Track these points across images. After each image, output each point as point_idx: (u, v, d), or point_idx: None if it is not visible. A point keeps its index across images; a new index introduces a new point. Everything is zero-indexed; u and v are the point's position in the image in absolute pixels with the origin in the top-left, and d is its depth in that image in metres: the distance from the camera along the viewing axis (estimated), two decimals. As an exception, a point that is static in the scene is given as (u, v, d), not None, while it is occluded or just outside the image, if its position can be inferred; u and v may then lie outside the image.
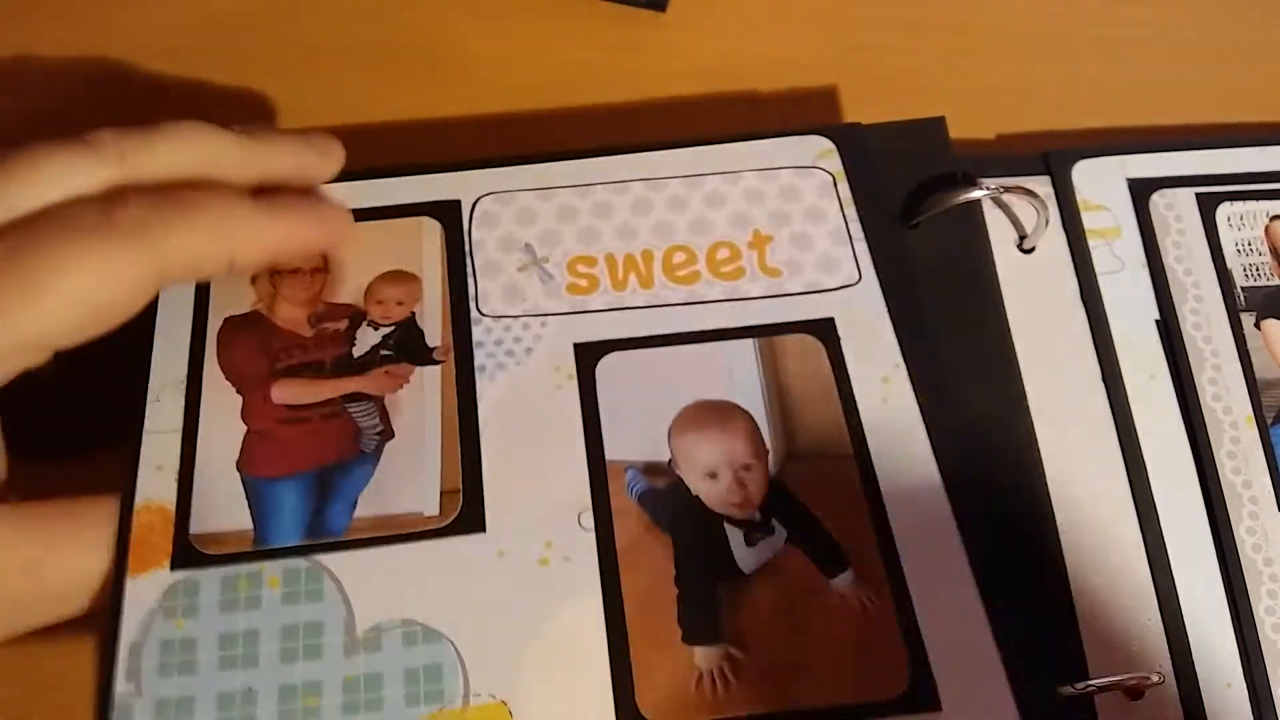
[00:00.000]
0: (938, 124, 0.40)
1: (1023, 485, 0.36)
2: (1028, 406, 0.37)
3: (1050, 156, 0.42)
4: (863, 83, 0.46)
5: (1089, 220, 0.41)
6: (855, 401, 0.35)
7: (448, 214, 0.37)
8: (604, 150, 0.39)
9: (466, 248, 0.37)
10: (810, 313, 0.37)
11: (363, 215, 0.37)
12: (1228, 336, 0.39)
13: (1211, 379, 0.38)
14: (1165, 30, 0.49)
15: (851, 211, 0.38)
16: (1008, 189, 0.39)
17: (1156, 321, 0.39)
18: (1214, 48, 0.49)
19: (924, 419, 0.35)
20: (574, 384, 0.34)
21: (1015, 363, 0.38)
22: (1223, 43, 0.49)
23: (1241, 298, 0.40)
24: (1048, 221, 0.39)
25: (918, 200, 0.39)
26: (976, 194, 0.39)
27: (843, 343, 0.36)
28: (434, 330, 0.36)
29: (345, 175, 0.36)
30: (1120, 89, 0.47)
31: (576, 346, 0.35)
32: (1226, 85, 0.48)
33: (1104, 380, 0.38)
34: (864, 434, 0.34)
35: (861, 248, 0.38)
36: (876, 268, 0.38)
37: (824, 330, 0.36)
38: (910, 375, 0.36)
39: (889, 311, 0.37)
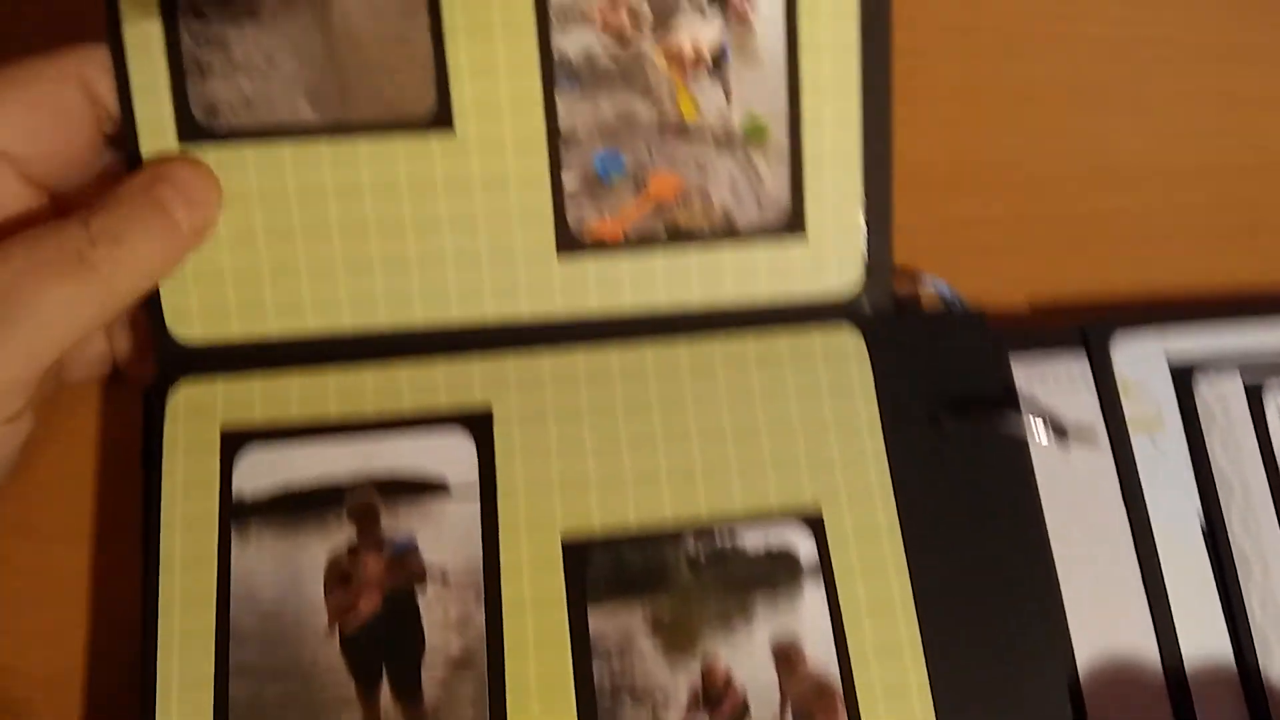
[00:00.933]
0: (977, 321, 0.38)
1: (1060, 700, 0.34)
2: (1066, 624, 0.35)
3: (1088, 332, 0.40)
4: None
5: (1129, 407, 0.39)
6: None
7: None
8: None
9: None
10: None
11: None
12: (1277, 540, 0.37)
13: (1260, 589, 0.36)
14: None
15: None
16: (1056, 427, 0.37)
17: (1202, 528, 0.37)
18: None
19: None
20: None
21: (1054, 577, 0.36)
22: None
23: (1293, 497, 0.38)
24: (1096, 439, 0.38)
25: (949, 406, 0.37)
26: (1021, 427, 0.37)
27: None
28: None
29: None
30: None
31: None
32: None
33: (1144, 585, 0.36)
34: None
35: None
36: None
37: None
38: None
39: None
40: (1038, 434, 0.37)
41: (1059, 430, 0.37)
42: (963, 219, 0.43)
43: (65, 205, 0.33)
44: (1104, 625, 0.36)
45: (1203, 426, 0.39)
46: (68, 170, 0.34)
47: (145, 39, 0.33)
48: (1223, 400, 0.39)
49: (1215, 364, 0.40)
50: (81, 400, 0.37)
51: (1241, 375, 0.39)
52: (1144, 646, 0.36)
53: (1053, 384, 0.39)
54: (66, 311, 0.31)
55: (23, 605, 0.35)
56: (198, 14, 0.33)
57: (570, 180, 0.35)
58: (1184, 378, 0.39)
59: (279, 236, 0.34)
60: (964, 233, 0.42)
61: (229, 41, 0.34)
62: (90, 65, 0.33)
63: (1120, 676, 0.35)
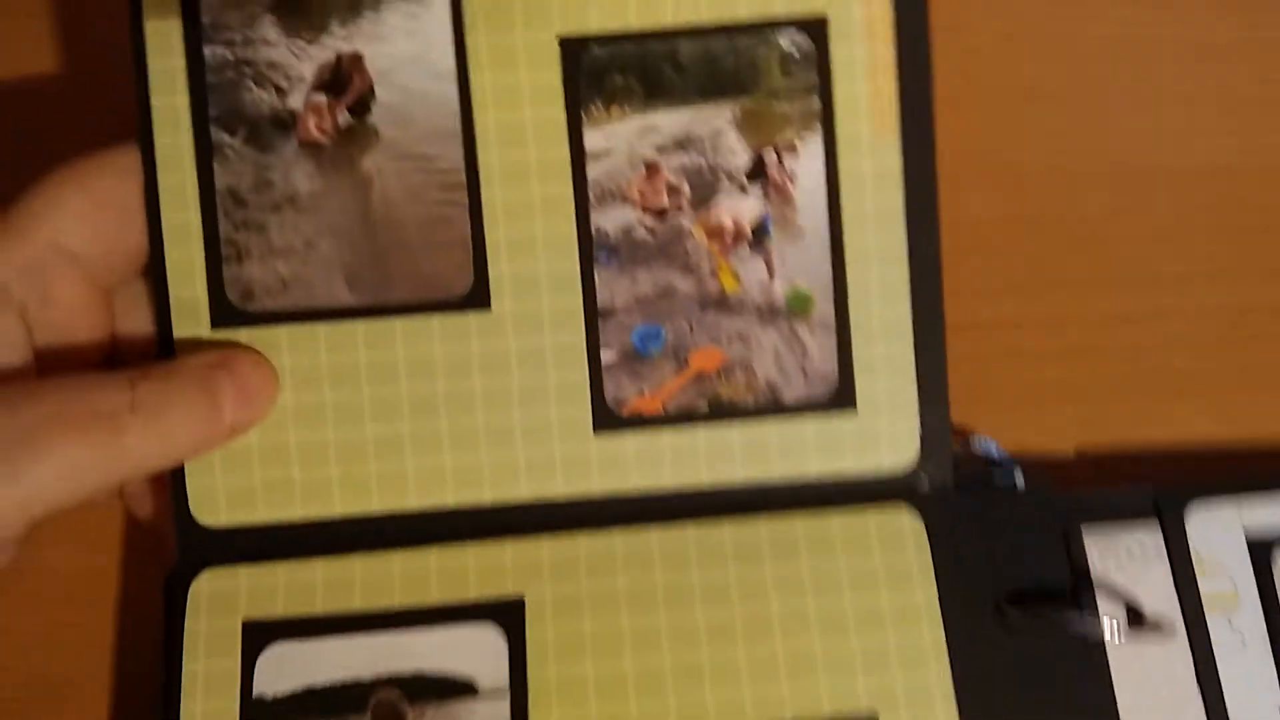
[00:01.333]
0: (1044, 496, 0.37)
1: None
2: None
3: (1160, 501, 0.38)
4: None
5: (1205, 584, 0.37)
6: None
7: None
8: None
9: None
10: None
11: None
12: (1370, 733, 0.34)
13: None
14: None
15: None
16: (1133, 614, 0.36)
17: (1284, 714, 0.35)
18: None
19: None
20: None
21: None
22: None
23: (1384, 685, 0.35)
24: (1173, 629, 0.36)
25: (1014, 595, 0.35)
26: (1092, 622, 0.35)
27: None
28: None
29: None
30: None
31: None
32: None
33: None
34: None
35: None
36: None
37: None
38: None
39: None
40: (1112, 633, 0.35)
41: (1135, 618, 0.36)
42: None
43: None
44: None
45: (1282, 604, 0.36)
46: (127, 268, 0.34)
47: (184, 223, 0.34)
48: (1307, 578, 0.37)
49: (1297, 535, 0.37)
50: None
51: (1325, 548, 0.37)
52: None
53: (1125, 557, 0.37)
54: (74, 472, 0.30)
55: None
56: (238, 200, 0.34)
57: (608, 355, 0.35)
58: (1263, 553, 0.37)
59: (309, 417, 0.34)
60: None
61: (268, 226, 0.34)
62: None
63: None
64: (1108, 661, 0.35)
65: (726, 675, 0.33)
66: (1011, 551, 0.35)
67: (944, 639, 0.34)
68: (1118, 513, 0.38)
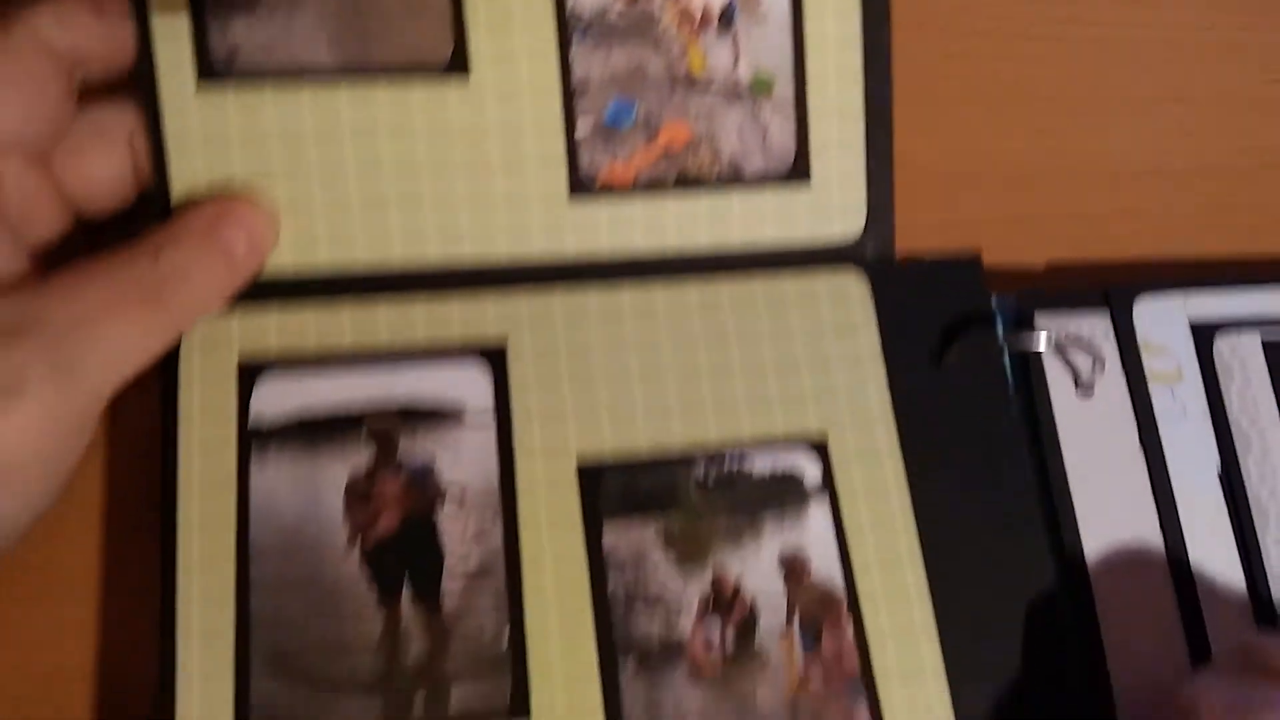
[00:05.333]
0: (973, 263, 0.43)
1: (1076, 649, 0.38)
2: (1084, 559, 0.39)
3: (1110, 294, 0.44)
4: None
5: (1150, 362, 0.42)
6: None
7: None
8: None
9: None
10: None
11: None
12: (1295, 489, 0.40)
13: (1276, 537, 0.40)
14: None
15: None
16: (1063, 340, 0.41)
17: (1219, 475, 0.41)
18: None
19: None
20: None
21: (1072, 513, 0.40)
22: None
23: (1309, 449, 0.41)
24: (1104, 367, 0.41)
25: (951, 339, 0.41)
26: (1023, 347, 0.41)
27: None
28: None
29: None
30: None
31: None
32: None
33: (1162, 532, 0.40)
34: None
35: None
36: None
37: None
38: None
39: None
40: (1039, 343, 0.41)
41: (1082, 386, 0.41)
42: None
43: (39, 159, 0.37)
44: (1121, 569, 0.39)
45: (1220, 381, 0.42)
46: (41, 132, 0.37)
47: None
48: (1241, 357, 0.43)
49: (1234, 324, 0.43)
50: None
51: (1260, 334, 0.43)
52: (1162, 588, 0.39)
53: (1075, 341, 0.42)
54: (138, 345, 0.35)
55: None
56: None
57: (583, 127, 0.40)
58: (1204, 337, 0.43)
59: (295, 176, 0.39)
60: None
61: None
62: (42, 19, 0.36)
63: (1140, 611, 0.39)
64: (1054, 417, 0.41)
65: (692, 410, 0.39)
66: (945, 310, 0.42)
67: (885, 378, 0.40)
68: (1071, 303, 0.43)
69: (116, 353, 0.34)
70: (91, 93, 0.38)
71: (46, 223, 0.37)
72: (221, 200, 0.38)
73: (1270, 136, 0.50)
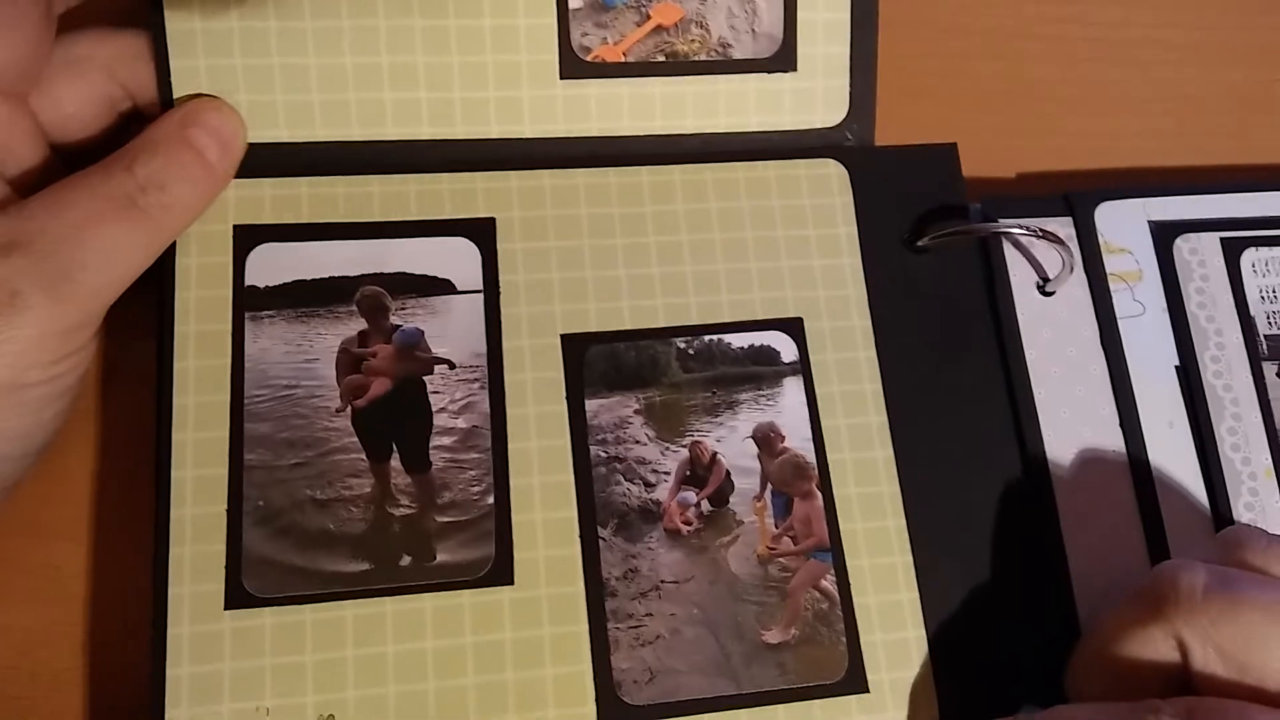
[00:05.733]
0: (949, 151, 0.44)
1: (1036, 531, 0.40)
2: (1045, 455, 0.41)
3: (1072, 198, 0.45)
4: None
5: (1111, 263, 0.44)
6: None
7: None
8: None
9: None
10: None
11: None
12: (1249, 385, 0.43)
13: (1231, 429, 0.42)
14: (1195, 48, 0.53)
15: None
16: (1032, 231, 0.42)
17: (1176, 368, 0.43)
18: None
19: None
20: None
21: (1033, 409, 0.41)
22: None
23: (1264, 345, 0.43)
24: (1072, 269, 0.42)
25: (926, 225, 0.43)
26: (994, 229, 0.42)
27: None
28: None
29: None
30: (1146, 125, 0.51)
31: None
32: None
33: (1121, 426, 0.42)
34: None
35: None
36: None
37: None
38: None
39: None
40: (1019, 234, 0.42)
41: (1036, 265, 0.43)
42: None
43: None
44: (1081, 460, 0.41)
45: (1180, 280, 0.44)
46: (21, 67, 0.37)
47: None
48: (1199, 254, 0.44)
49: (1195, 227, 0.45)
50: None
51: (1220, 237, 0.45)
52: (1119, 479, 0.41)
53: (1044, 235, 0.43)
54: (126, 255, 0.36)
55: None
56: None
57: (575, 0, 0.41)
58: (1164, 239, 0.45)
59: (291, 43, 0.39)
60: None
61: None
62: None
63: (1097, 502, 0.41)
64: (1016, 315, 0.42)
65: (674, 286, 0.41)
66: (921, 196, 0.43)
67: (861, 262, 0.42)
68: (1035, 210, 0.45)
69: (105, 263, 0.35)
70: (66, 23, 0.38)
71: (24, 154, 0.38)
72: (187, 107, 0.39)
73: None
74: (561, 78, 0.41)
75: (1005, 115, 0.50)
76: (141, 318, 0.38)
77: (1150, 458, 0.41)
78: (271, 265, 0.39)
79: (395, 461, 0.37)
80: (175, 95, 0.39)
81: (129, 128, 0.39)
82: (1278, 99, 0.51)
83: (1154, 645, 0.33)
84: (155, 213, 0.36)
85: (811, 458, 0.39)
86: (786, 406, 0.39)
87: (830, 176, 0.42)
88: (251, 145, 0.40)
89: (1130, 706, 0.32)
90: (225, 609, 0.35)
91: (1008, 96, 0.50)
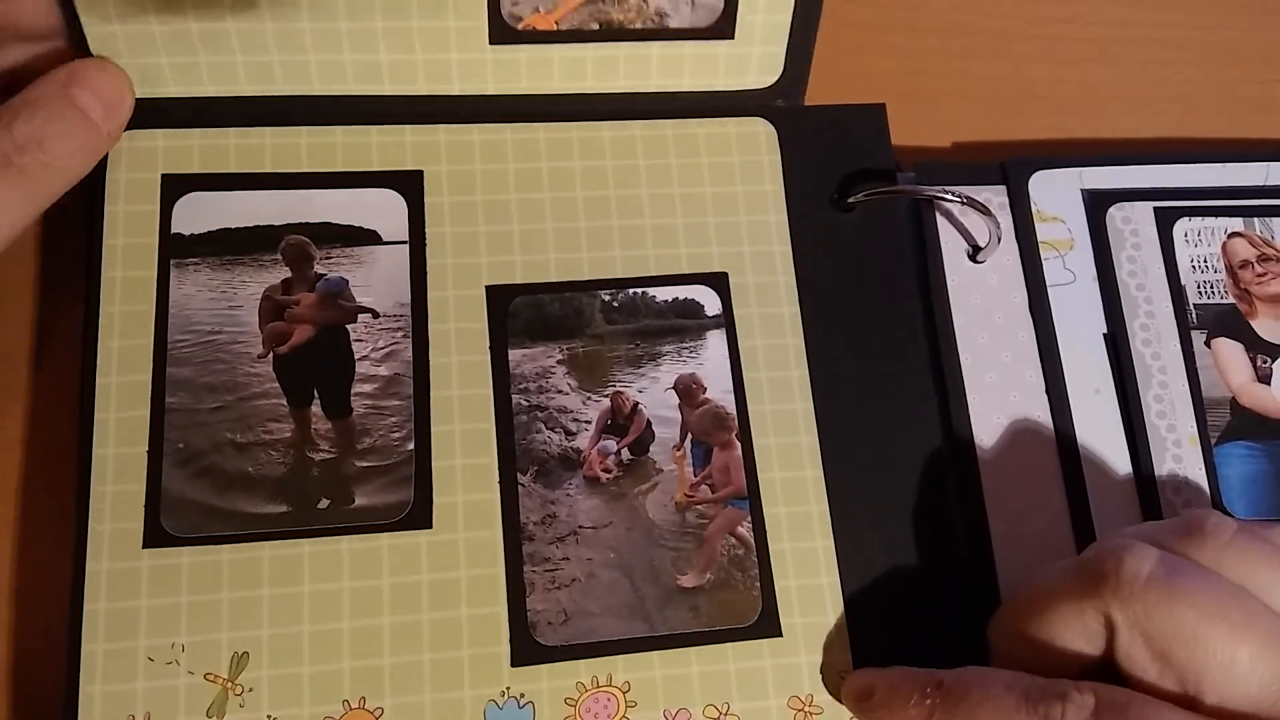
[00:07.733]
0: (878, 111, 0.46)
1: (955, 486, 0.41)
2: (969, 417, 0.42)
3: (1007, 166, 0.47)
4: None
5: (1043, 231, 0.46)
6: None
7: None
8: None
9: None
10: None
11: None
12: (1177, 354, 0.44)
13: (1157, 396, 0.43)
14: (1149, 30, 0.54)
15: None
16: (959, 198, 0.44)
17: (1105, 336, 0.44)
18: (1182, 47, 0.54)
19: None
20: None
21: (959, 371, 0.43)
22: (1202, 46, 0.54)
23: (1194, 315, 0.45)
24: (999, 239, 0.44)
25: (853, 185, 0.44)
26: (920, 191, 0.44)
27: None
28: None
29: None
30: (1080, 93, 0.52)
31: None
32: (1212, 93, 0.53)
33: (1047, 393, 0.43)
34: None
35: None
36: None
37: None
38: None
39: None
40: (929, 191, 0.44)
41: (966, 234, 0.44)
42: None
43: None
44: (1006, 425, 0.43)
45: (1112, 247, 0.45)
46: None
47: None
48: (1132, 223, 0.46)
49: (1128, 196, 0.46)
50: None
51: (1153, 207, 0.46)
52: (1044, 445, 0.42)
53: (973, 202, 0.44)
54: (3, 212, 0.37)
55: None
56: None
57: (504, -38, 0.42)
58: (1097, 208, 0.46)
59: (207, 7, 0.40)
60: None
61: None
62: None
63: (1022, 468, 0.42)
64: (945, 280, 0.44)
65: (601, 240, 0.42)
66: (847, 156, 0.45)
67: (787, 220, 0.43)
68: (969, 177, 0.46)
69: None
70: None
71: None
72: (70, 65, 0.39)
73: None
74: (491, 43, 0.42)
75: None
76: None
77: (1075, 423, 0.43)
78: (198, 214, 0.40)
79: (316, 407, 0.39)
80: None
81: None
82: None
83: (1083, 619, 0.34)
84: (34, 170, 0.37)
85: (732, 409, 0.40)
86: (709, 359, 0.41)
87: (759, 135, 0.44)
88: (176, 99, 0.41)
89: (1040, 685, 0.33)
90: (143, 547, 0.36)
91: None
